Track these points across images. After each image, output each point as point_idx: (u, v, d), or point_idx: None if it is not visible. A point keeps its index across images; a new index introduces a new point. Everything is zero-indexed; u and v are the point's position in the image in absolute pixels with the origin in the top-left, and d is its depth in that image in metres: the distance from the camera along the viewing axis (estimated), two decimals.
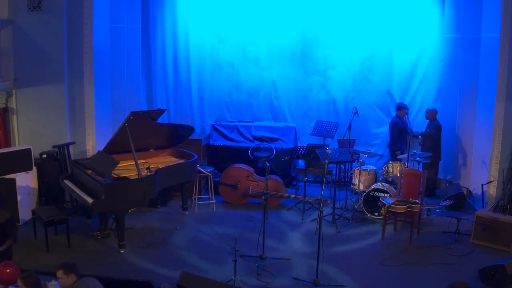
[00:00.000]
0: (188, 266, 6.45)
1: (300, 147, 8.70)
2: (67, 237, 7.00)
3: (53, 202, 8.11)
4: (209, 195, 8.84)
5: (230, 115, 10.49)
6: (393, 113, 9.62)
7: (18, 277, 4.38)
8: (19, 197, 7.68)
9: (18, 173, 7.77)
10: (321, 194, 6.23)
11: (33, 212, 7.38)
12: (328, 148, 7.97)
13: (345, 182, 9.59)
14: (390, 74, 10.00)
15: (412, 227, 7.44)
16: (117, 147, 7.46)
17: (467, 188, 9.09)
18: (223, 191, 8.97)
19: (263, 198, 6.69)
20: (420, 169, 8.62)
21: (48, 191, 8.30)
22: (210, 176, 8.70)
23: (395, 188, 8.15)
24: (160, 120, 8.22)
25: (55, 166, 8.35)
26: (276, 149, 9.62)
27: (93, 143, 8.78)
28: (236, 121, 10.26)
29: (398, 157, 8.78)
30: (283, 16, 10.03)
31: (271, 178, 8.59)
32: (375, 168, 8.89)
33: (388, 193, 8.01)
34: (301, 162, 9.54)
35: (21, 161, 7.83)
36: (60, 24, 8.36)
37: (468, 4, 8.94)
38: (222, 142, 9.97)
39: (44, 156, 8.27)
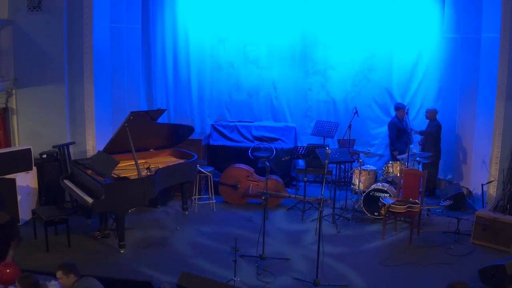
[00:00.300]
0: (188, 266, 6.45)
1: (300, 147, 8.70)
2: (67, 237, 6.99)
3: (53, 202, 8.11)
4: (209, 195, 8.84)
5: (230, 115, 10.50)
6: (393, 113, 9.62)
7: (16, 280, 4.37)
8: (19, 197, 7.68)
9: (18, 173, 7.77)
10: (321, 194, 6.23)
11: (33, 212, 7.38)
12: (328, 148, 7.96)
13: (345, 182, 9.59)
14: (390, 74, 10.01)
15: (412, 227, 7.44)
16: (117, 147, 7.46)
17: (467, 188, 9.09)
18: (223, 191, 8.97)
19: (263, 198, 6.69)
20: (420, 169, 8.62)
21: (48, 191, 8.30)
22: (210, 176, 8.70)
23: (395, 188, 8.15)
24: (160, 120, 8.22)
25: (55, 166, 8.35)
26: (276, 149, 9.62)
27: (93, 143, 8.78)
28: (236, 121, 10.26)
29: (398, 157, 8.78)
30: (283, 16, 10.03)
31: (271, 178, 8.59)
32: (375, 168, 8.89)
33: (388, 193, 8.01)
34: (301, 162, 9.54)
35: (21, 161, 7.83)
36: (60, 24, 8.36)
37: (468, 4, 8.94)
38: (222, 142, 9.97)
39: (44, 156, 8.27)
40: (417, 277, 6.33)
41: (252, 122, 10.24)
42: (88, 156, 8.45)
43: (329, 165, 7.85)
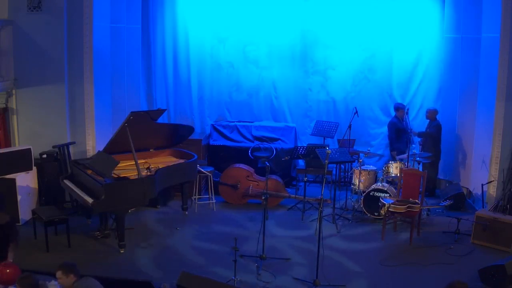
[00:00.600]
0: (188, 266, 6.44)
1: (300, 147, 8.70)
2: (67, 237, 6.99)
3: (53, 202, 8.11)
4: (209, 195, 8.83)
5: (230, 115, 10.50)
6: (393, 113, 9.61)
7: (17, 280, 4.38)
8: (19, 197, 7.68)
9: (18, 173, 7.77)
10: (321, 194, 6.24)
11: (33, 212, 7.38)
12: (328, 148, 7.96)
13: (345, 182, 9.59)
14: (390, 74, 10.01)
15: (412, 227, 7.44)
16: (117, 147, 7.46)
17: (467, 188, 9.09)
18: (223, 191, 8.97)
19: (263, 198, 6.69)
20: (420, 169, 8.62)
21: (48, 191, 8.30)
22: (210, 176, 8.70)
23: (395, 188, 8.15)
24: (160, 120, 8.22)
25: (55, 166, 8.35)
26: (276, 149, 9.62)
27: (93, 143, 8.77)
28: (236, 121, 10.26)
29: (398, 157, 8.78)
30: (283, 16, 10.03)
31: (271, 178, 8.59)
32: (375, 168, 8.89)
33: (388, 193, 8.01)
34: (301, 162, 9.54)
35: (21, 161, 7.83)
36: (60, 24, 8.36)
37: (468, 4, 8.94)
38: (222, 142, 9.97)
39: (44, 156, 8.27)
40: (417, 277, 6.33)
41: (252, 122, 10.24)
42: (88, 156, 8.44)
43: (329, 165, 7.85)
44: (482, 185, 8.15)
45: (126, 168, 7.58)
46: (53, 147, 8.35)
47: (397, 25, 9.81)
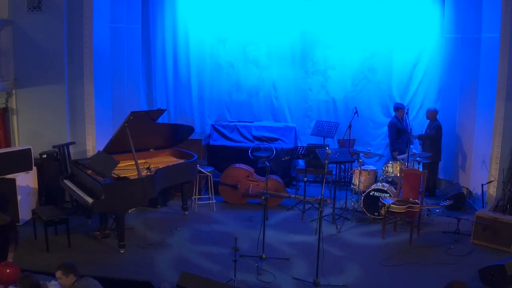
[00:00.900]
0: (188, 266, 6.45)
1: (300, 147, 8.70)
2: (67, 237, 6.99)
3: (53, 202, 8.11)
4: (209, 195, 8.83)
5: (230, 115, 10.50)
6: (393, 113, 9.61)
7: (17, 279, 4.38)
8: (19, 197, 7.68)
9: (18, 173, 7.77)
10: (321, 194, 6.23)
11: (33, 212, 7.38)
12: (328, 148, 7.96)
13: (345, 182, 9.59)
14: (390, 74, 10.01)
15: (412, 227, 7.44)
16: (117, 147, 7.46)
17: (467, 188, 9.09)
18: (223, 191, 8.97)
19: (263, 198, 6.69)
20: (420, 169, 8.62)
21: (48, 191, 8.30)
22: (210, 176, 8.70)
23: (395, 188, 8.15)
24: (160, 120, 8.21)
25: (55, 166, 8.35)
26: (276, 149, 9.62)
27: (93, 143, 8.77)
28: (236, 121, 10.27)
29: (398, 157, 8.78)
30: (283, 16, 10.04)
31: (271, 178, 8.59)
32: (375, 168, 8.88)
33: (388, 193, 8.01)
34: (301, 162, 9.54)
35: (21, 161, 7.83)
36: (60, 24, 8.36)
37: (468, 4, 8.94)
38: (222, 142, 9.97)
39: (44, 156, 8.27)
40: (417, 277, 6.33)
41: (252, 122, 10.24)
42: (88, 156, 8.44)
43: (329, 165, 7.86)
44: (482, 185, 8.15)
45: (126, 168, 7.58)
46: (53, 147, 8.35)
47: (397, 25, 9.81)
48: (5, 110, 8.52)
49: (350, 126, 8.73)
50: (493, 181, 8.17)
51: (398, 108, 9.36)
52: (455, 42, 9.33)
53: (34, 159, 8.05)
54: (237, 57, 10.26)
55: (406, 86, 10.01)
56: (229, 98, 10.45)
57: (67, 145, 8.48)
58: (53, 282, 4.64)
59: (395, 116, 9.41)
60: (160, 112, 7.94)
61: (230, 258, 6.05)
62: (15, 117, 8.62)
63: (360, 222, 8.18)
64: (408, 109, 8.78)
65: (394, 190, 8.06)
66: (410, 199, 7.50)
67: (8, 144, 8.48)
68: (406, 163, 8.36)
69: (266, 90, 10.34)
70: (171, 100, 10.46)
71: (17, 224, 7.38)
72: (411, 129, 8.74)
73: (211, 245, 7.24)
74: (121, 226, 6.84)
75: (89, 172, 7.23)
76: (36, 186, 8.21)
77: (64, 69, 8.48)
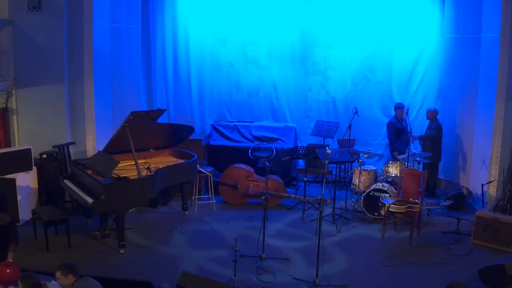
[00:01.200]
0: (188, 266, 6.45)
1: (300, 147, 8.70)
2: (67, 237, 6.99)
3: (53, 202, 8.11)
4: (209, 195, 8.83)
5: (230, 115, 10.50)
6: (393, 113, 9.61)
7: (18, 277, 4.37)
8: (19, 197, 7.68)
9: (18, 173, 7.77)
10: (321, 194, 6.23)
11: (33, 212, 7.38)
12: (328, 148, 7.96)
13: (345, 182, 9.59)
14: (390, 74, 10.01)
15: (412, 227, 7.44)
16: (117, 147, 7.46)
17: (467, 188, 9.09)
18: (223, 191, 8.97)
19: (263, 198, 6.69)
20: (420, 169, 8.62)
21: (48, 191, 8.30)
22: (210, 176, 8.70)
23: (395, 188, 8.15)
24: (160, 120, 8.22)
25: (55, 166, 8.35)
26: (276, 149, 9.62)
27: (93, 143, 8.77)
28: (236, 121, 10.27)
29: (398, 157, 8.78)
30: (283, 16, 10.04)
31: (271, 178, 8.59)
32: (375, 168, 8.89)
33: (388, 193, 8.01)
34: (301, 162, 9.53)
35: (21, 161, 7.83)
36: (60, 24, 8.36)
37: (468, 4, 8.94)
38: (222, 142, 9.97)
39: (44, 156, 8.27)
40: (417, 277, 6.33)
41: (252, 122, 10.24)
42: (88, 156, 8.44)
43: (329, 165, 7.86)
44: (482, 185, 8.15)
45: (126, 168, 7.58)
46: (53, 147, 8.35)
47: (397, 25, 9.81)
48: (5, 110, 8.52)
49: (350, 126, 8.73)
50: (493, 181, 8.17)
51: (397, 107, 9.37)
52: (455, 42, 9.33)
53: (34, 159, 8.05)
54: (237, 57, 10.26)
55: (406, 86, 10.01)
56: (229, 98, 10.45)
57: (67, 145, 8.48)
58: (53, 282, 4.64)
59: (395, 116, 9.42)
60: (160, 112, 7.94)
61: (230, 258, 6.04)
62: (15, 117, 8.62)
63: (360, 222, 8.18)
64: (408, 109, 8.78)
65: (394, 190, 8.06)
66: (410, 199, 7.50)
67: (8, 144, 8.48)
68: (406, 163, 8.36)
69: (266, 90, 10.34)
70: (171, 100, 10.46)
71: (17, 224, 7.38)
72: (411, 129, 8.74)
73: (211, 245, 7.24)
74: (121, 226, 6.84)
75: (89, 172, 7.23)
76: (36, 186, 8.21)
77: (64, 69, 8.48)
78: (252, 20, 10.09)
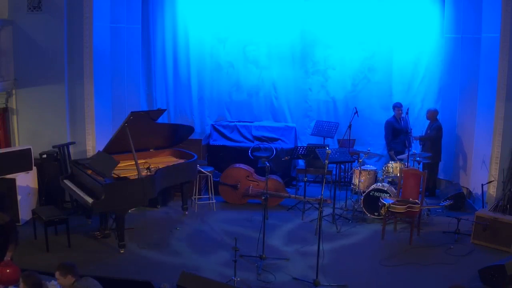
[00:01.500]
0: (188, 266, 6.45)
1: (300, 147, 8.70)
2: (67, 237, 6.99)
3: (53, 202, 8.11)
4: (209, 195, 8.83)
5: (230, 115, 10.50)
6: (393, 112, 9.61)
7: (20, 276, 4.37)
8: (19, 197, 7.68)
9: (18, 173, 7.77)
10: (321, 194, 6.23)
11: (33, 212, 7.38)
12: (328, 148, 7.96)
13: (345, 182, 9.59)
14: (390, 74, 10.01)
15: (412, 227, 7.44)
16: (117, 147, 7.46)
17: (467, 188, 9.09)
18: (223, 191, 8.97)
19: (263, 198, 6.69)
20: (420, 169, 8.62)
21: (48, 191, 8.30)
22: (210, 176, 8.70)
23: (395, 188, 8.15)
24: (160, 120, 8.22)
25: (55, 166, 8.35)
26: (276, 149, 9.62)
27: (93, 143, 8.77)
28: (236, 121, 10.27)
29: (398, 157, 8.77)
30: (283, 16, 10.04)
31: (271, 178, 8.59)
32: (375, 168, 8.88)
33: (388, 193, 8.01)
34: (301, 162, 9.54)
35: (21, 161, 7.83)
36: (60, 24, 8.36)
37: (468, 4, 8.94)
38: (222, 142, 9.97)
39: (44, 156, 8.27)
40: (417, 277, 6.33)
41: (252, 122, 10.24)
42: (88, 156, 8.44)
43: (329, 165, 7.86)
44: (482, 185, 8.15)
45: (126, 168, 7.58)
46: (53, 147, 8.35)
47: (397, 25, 9.81)
48: (5, 110, 8.52)
49: (350, 126, 8.73)
50: (493, 181, 8.17)
51: (395, 106, 9.33)
52: (455, 42, 9.32)
53: (34, 159, 8.05)
54: (237, 57, 10.26)
55: (406, 86, 10.00)
56: (229, 98, 10.45)
57: (67, 145, 8.48)
58: (53, 282, 4.64)
59: (394, 116, 9.40)
60: (160, 112, 7.94)
61: (230, 258, 6.05)
62: (15, 117, 8.62)
63: (360, 222, 8.18)
64: (408, 109, 8.77)
65: (394, 190, 8.06)
66: (410, 199, 7.50)
67: (8, 144, 8.48)
68: (406, 163, 8.36)
69: (266, 90, 10.35)
70: (171, 100, 10.46)
71: (17, 224, 7.38)
72: (411, 129, 8.74)
73: (211, 245, 7.24)
74: (121, 226, 6.84)
75: (89, 172, 7.23)
76: (36, 186, 8.21)
77: (64, 69, 8.48)
78: (252, 20, 10.09)
